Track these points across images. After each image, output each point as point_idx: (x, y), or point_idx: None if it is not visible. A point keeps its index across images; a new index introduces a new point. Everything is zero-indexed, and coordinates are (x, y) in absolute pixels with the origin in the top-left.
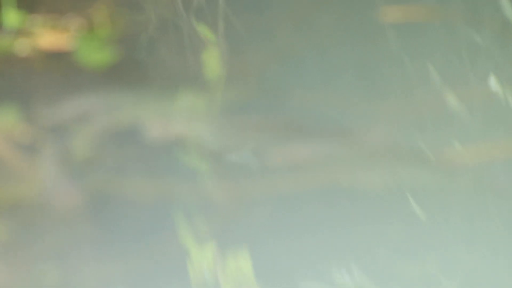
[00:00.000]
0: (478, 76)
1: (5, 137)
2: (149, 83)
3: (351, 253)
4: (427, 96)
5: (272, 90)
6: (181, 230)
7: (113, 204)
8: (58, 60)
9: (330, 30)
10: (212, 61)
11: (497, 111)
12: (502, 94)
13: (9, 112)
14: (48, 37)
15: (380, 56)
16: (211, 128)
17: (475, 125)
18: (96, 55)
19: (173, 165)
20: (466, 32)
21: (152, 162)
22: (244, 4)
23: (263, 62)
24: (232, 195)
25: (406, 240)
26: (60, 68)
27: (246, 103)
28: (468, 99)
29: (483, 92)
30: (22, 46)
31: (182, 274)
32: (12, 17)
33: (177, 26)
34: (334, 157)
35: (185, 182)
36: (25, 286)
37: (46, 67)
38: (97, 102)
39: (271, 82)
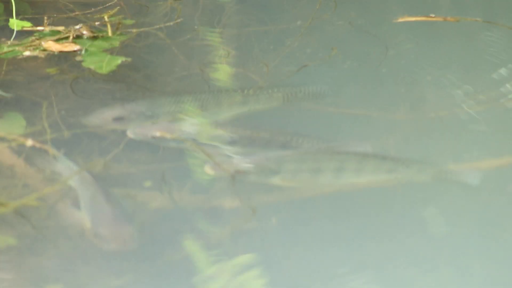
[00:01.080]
0: (494, 84)
1: (9, 144)
2: (154, 88)
3: (365, 266)
4: (442, 104)
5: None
6: (189, 239)
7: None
8: (66, 65)
9: (346, 37)
10: (218, 67)
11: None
12: None
13: (17, 119)
14: (57, 43)
15: (393, 64)
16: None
17: (491, 133)
18: (103, 61)
19: (183, 172)
20: (482, 40)
21: (161, 169)
22: (250, 10)
23: (272, 68)
24: (241, 204)
25: (420, 251)
26: (68, 73)
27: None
28: (484, 107)
29: (498, 98)
30: (31, 52)
31: (190, 283)
32: (21, 24)
33: (182, 32)
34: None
35: (194, 190)
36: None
37: (54, 73)
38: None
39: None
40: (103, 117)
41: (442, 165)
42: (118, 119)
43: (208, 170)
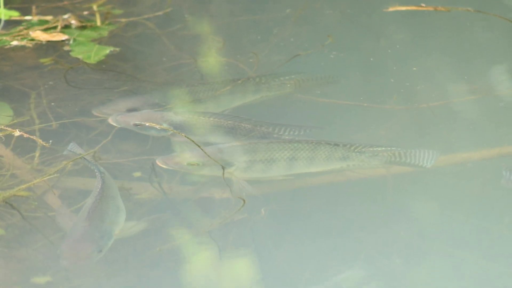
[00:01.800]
0: (486, 73)
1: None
2: (144, 78)
3: (357, 256)
4: (433, 95)
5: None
6: (181, 230)
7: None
8: (54, 55)
9: (334, 26)
10: (208, 56)
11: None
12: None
13: (4, 109)
14: (45, 33)
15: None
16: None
17: (483, 123)
18: (91, 51)
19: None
20: (475, 30)
21: (151, 160)
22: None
23: (262, 58)
24: (234, 194)
25: (413, 241)
26: (56, 63)
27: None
28: (476, 96)
29: (490, 88)
30: (18, 42)
31: (183, 274)
32: (9, 14)
33: (171, 21)
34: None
35: (184, 181)
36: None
37: (49, 63)
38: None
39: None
40: (116, 108)
41: (395, 149)
42: (131, 110)
43: (160, 163)
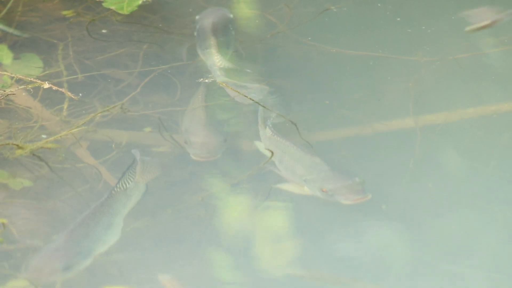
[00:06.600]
0: None
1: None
2: (171, 30)
3: (385, 212)
4: (460, 47)
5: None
6: (214, 181)
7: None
8: (84, 6)
9: None
10: (236, 8)
11: None
12: None
13: (34, 60)
14: None
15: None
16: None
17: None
18: (124, 1)
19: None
20: None
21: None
22: None
23: (291, 10)
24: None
25: (441, 195)
26: (79, 15)
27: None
28: (504, 48)
29: None
30: None
31: (215, 226)
32: None
33: None
34: None
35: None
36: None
37: (71, 15)
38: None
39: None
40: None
41: None
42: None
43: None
